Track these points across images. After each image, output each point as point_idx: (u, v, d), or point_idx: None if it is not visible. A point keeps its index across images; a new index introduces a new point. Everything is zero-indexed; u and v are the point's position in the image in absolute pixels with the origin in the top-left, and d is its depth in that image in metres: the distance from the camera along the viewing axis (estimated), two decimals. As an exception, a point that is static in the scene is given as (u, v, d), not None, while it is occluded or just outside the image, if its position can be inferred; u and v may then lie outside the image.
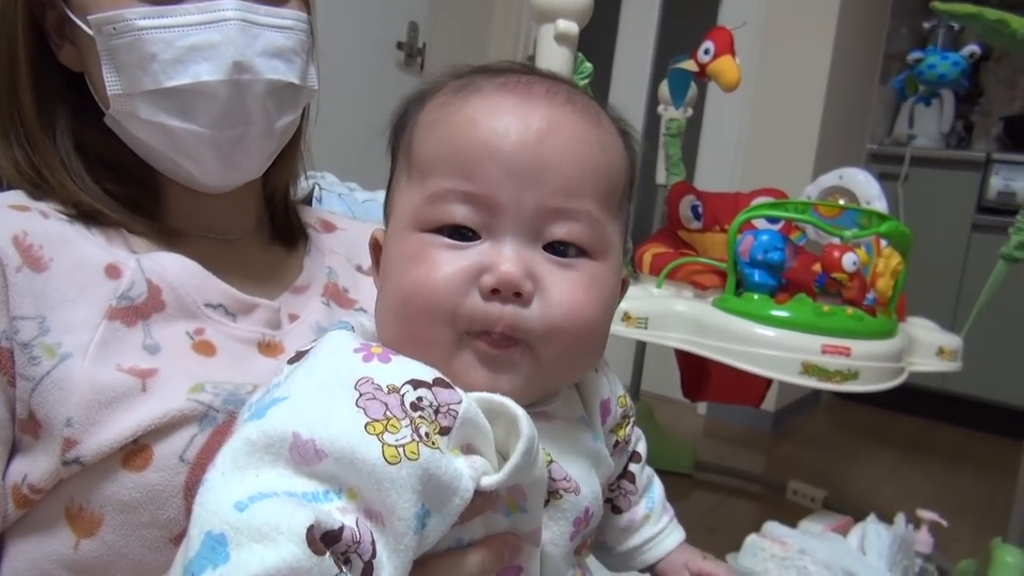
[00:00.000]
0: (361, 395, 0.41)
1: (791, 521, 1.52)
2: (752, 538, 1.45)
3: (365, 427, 0.39)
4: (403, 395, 0.41)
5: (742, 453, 2.69)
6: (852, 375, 1.42)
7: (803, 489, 2.22)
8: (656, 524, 0.64)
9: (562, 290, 0.46)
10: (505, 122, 0.46)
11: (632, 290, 1.67)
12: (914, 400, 3.16)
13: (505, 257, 0.45)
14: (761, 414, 2.78)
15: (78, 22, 0.58)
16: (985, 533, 1.76)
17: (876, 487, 2.49)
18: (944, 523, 1.56)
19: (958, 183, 3.19)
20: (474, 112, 0.47)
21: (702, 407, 2.99)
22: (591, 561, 0.58)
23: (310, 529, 0.35)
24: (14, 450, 0.53)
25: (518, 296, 0.45)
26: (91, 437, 0.50)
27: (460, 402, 0.42)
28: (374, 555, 0.38)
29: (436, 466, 0.40)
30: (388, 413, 0.40)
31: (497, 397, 0.44)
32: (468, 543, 0.45)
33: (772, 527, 1.48)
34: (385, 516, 0.39)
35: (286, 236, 0.73)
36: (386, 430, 0.40)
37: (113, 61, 0.58)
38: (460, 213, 0.46)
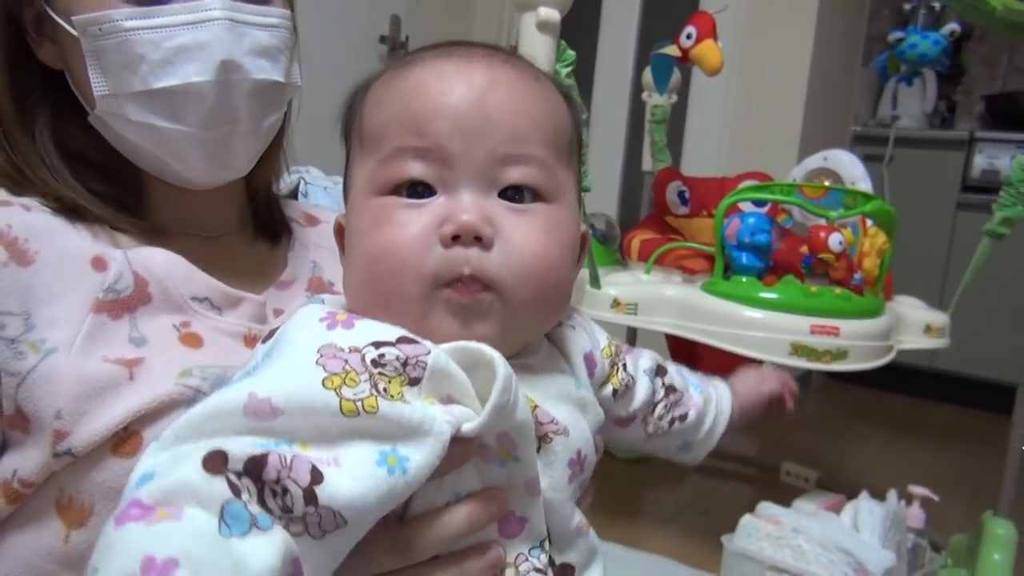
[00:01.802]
0: (321, 356, 0.42)
1: (785, 501, 1.52)
2: (747, 519, 1.46)
3: (323, 381, 0.40)
4: (364, 353, 0.42)
5: (735, 436, 2.70)
6: (841, 354, 1.43)
7: (796, 470, 2.24)
8: (713, 399, 0.73)
9: (521, 234, 0.47)
10: (449, 82, 0.48)
11: (621, 276, 1.67)
12: (904, 379, 3.18)
13: (462, 206, 0.46)
14: (753, 397, 2.79)
15: (61, 22, 0.58)
16: (976, 508, 1.77)
17: (868, 466, 2.51)
18: (935, 498, 1.58)
19: (942, 162, 3.20)
20: (419, 78, 0.49)
21: (694, 392, 3.00)
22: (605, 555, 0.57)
23: (212, 451, 0.37)
24: (2, 446, 0.53)
25: (479, 241, 0.46)
26: (82, 427, 0.50)
27: (428, 353, 0.43)
28: (316, 481, 0.38)
29: (399, 413, 0.40)
30: (347, 367, 0.41)
31: (472, 344, 0.44)
32: (467, 496, 0.46)
33: (766, 507, 1.49)
34: (341, 456, 0.39)
35: (269, 231, 0.73)
36: (344, 383, 0.40)
37: (99, 62, 0.57)
38: (415, 169, 0.47)
